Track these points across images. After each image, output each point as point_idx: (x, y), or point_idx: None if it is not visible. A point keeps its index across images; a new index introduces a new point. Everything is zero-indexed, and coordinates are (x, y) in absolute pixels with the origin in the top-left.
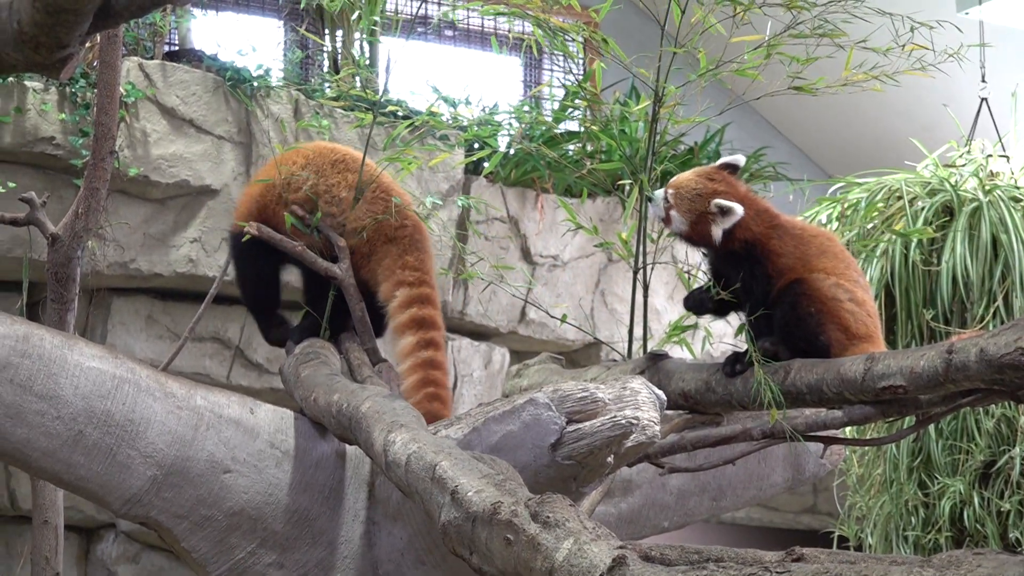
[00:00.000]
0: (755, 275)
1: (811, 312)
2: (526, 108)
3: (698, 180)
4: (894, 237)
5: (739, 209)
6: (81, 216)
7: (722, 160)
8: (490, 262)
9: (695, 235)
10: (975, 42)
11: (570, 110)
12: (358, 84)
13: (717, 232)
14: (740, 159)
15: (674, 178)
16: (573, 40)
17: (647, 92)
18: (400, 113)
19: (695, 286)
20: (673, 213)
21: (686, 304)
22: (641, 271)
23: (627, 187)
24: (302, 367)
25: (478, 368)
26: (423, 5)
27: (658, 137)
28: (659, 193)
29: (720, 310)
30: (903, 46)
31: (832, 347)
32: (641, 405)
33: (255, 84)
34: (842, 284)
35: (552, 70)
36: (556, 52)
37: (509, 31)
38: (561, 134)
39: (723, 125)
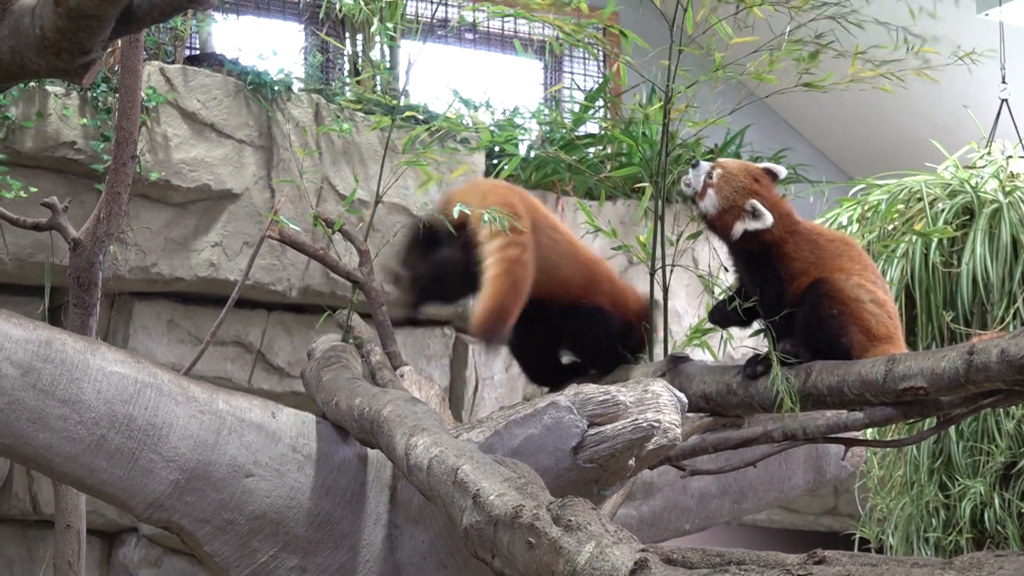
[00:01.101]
0: (767, 277)
1: (833, 313)
2: (545, 112)
3: (745, 174)
4: (914, 238)
5: (769, 219)
6: (103, 221)
7: (767, 164)
8: None
9: (719, 221)
10: (995, 44)
11: (591, 111)
12: (378, 87)
13: (740, 229)
14: (782, 171)
15: (723, 160)
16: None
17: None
18: (420, 116)
19: (717, 294)
20: (711, 191)
21: (711, 319)
22: (660, 272)
23: (645, 189)
24: (324, 371)
25: (499, 371)
26: (441, 7)
27: (671, 139)
28: (705, 166)
29: (745, 321)
30: (910, 48)
31: (853, 348)
32: (662, 408)
33: (276, 88)
34: (863, 284)
35: (572, 73)
36: (577, 49)
37: (530, 33)
38: (580, 137)
39: (743, 127)
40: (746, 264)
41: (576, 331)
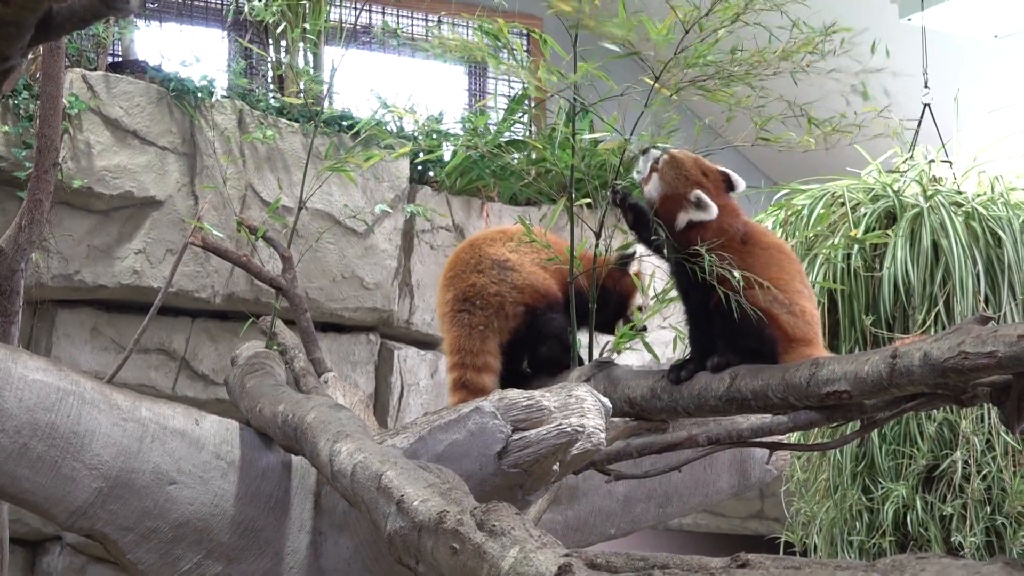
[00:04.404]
0: (693, 281)
1: (749, 317)
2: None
3: (694, 166)
4: (836, 243)
5: (714, 211)
6: (24, 228)
7: (726, 170)
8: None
9: (661, 208)
10: (918, 48)
11: (513, 119)
12: (302, 95)
13: (684, 219)
14: (741, 183)
15: (678, 150)
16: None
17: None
18: (345, 123)
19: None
20: (655, 176)
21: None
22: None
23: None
24: (247, 378)
25: (424, 377)
26: (364, 14)
27: (592, 146)
28: (655, 152)
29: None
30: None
31: (777, 342)
32: (587, 412)
33: (199, 95)
34: (780, 299)
35: (496, 78)
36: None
37: (451, 37)
38: (505, 143)
39: (668, 133)
40: (677, 266)
41: (535, 338)
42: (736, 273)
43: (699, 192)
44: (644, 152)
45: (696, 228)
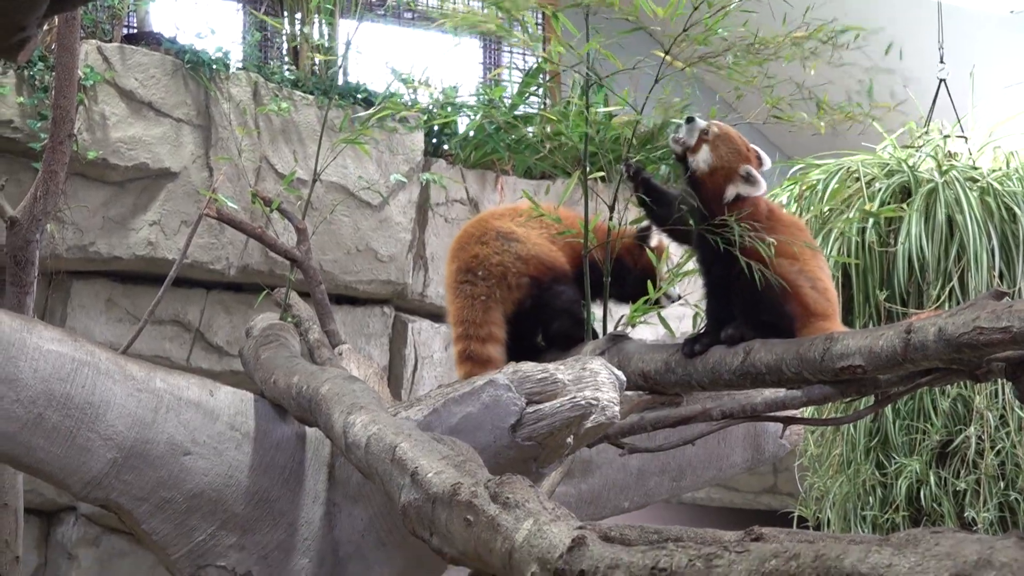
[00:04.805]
0: (718, 253)
1: (772, 288)
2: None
3: (741, 140)
4: (851, 218)
5: (763, 186)
6: (40, 199)
7: (755, 147)
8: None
9: (709, 180)
10: (933, 24)
11: (527, 92)
12: (316, 67)
13: (732, 192)
14: (768, 161)
15: (717, 121)
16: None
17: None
18: (360, 95)
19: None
20: (705, 147)
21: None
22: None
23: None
24: (262, 349)
25: (438, 350)
26: None
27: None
28: (701, 122)
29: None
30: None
31: (796, 319)
32: (601, 386)
33: (214, 67)
34: (806, 271)
35: (511, 51)
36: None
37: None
38: (519, 117)
39: (683, 106)
40: (700, 238)
41: (544, 311)
42: (770, 239)
43: (750, 167)
44: (689, 121)
45: (737, 202)
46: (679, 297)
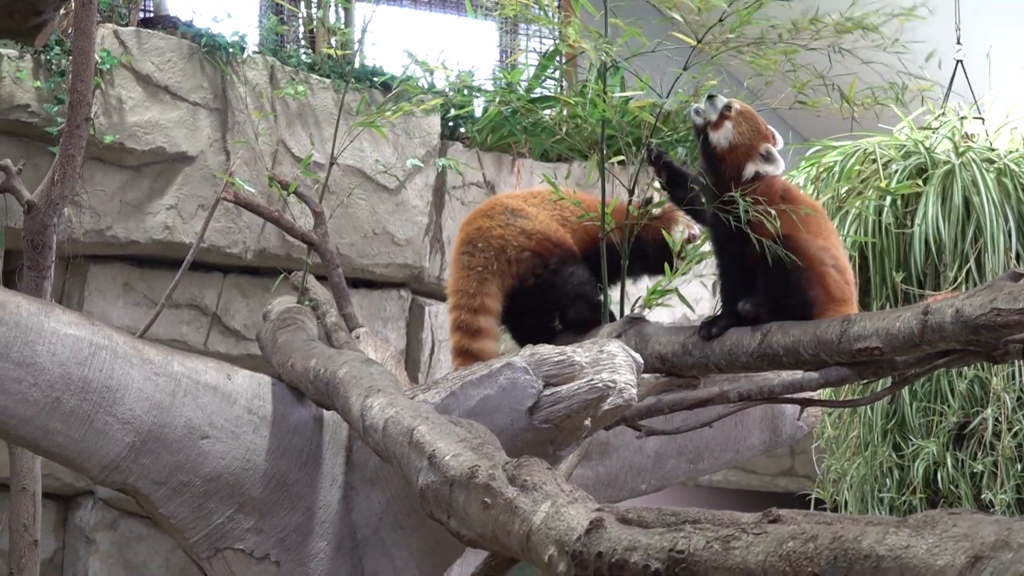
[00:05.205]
0: (732, 232)
1: (800, 268)
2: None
3: (761, 120)
4: (867, 200)
5: (782, 166)
6: (57, 183)
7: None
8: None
9: (729, 156)
10: (951, 5)
11: (544, 75)
12: (333, 51)
13: (752, 170)
14: (780, 140)
15: (739, 101)
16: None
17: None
18: (376, 79)
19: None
20: (728, 124)
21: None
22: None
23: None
24: (279, 333)
25: None
26: None
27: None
28: (722, 99)
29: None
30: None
31: (816, 304)
32: (618, 368)
33: (231, 50)
34: (828, 248)
35: (528, 35)
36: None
37: None
38: (536, 99)
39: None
40: (714, 217)
41: (553, 292)
42: (788, 211)
43: (770, 146)
44: (711, 98)
45: (753, 180)
46: (697, 236)
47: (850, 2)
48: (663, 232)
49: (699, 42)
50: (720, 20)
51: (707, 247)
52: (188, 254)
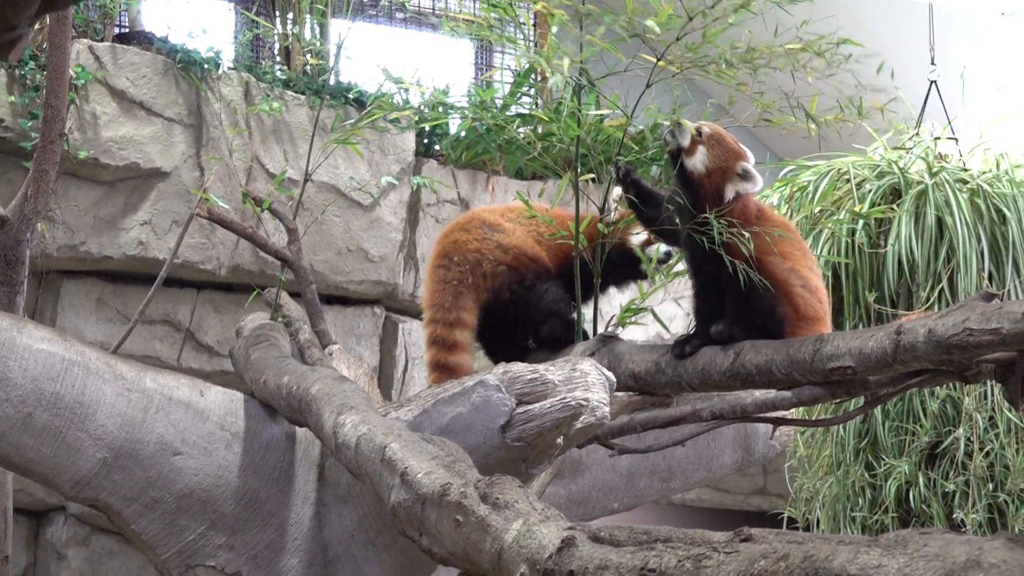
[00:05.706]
0: (705, 254)
1: (766, 287)
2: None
3: (732, 139)
4: (840, 220)
5: (760, 182)
6: (30, 199)
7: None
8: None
9: (707, 180)
10: (924, 25)
11: (519, 93)
12: (308, 68)
13: (731, 190)
14: (751, 157)
15: (706, 123)
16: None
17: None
18: (351, 95)
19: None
20: (701, 148)
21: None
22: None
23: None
24: (252, 349)
25: None
26: None
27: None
28: (689, 125)
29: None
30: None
31: (786, 321)
32: (591, 387)
33: (205, 66)
34: (797, 270)
35: (503, 52)
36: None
37: (459, 12)
38: (511, 117)
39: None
40: (689, 238)
41: (527, 308)
42: (760, 232)
43: (745, 164)
44: (679, 125)
45: (733, 201)
46: (668, 256)
47: (802, 22)
48: (626, 240)
49: (659, 60)
50: (677, 39)
51: (680, 267)
52: (161, 270)
